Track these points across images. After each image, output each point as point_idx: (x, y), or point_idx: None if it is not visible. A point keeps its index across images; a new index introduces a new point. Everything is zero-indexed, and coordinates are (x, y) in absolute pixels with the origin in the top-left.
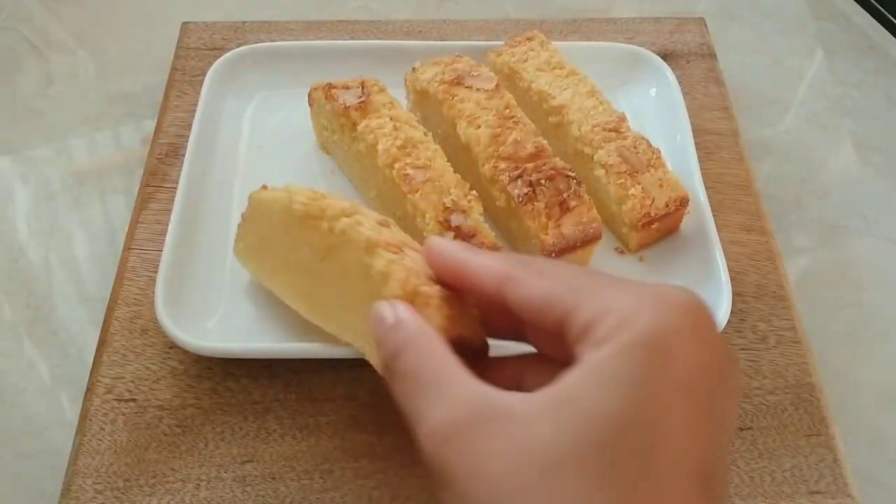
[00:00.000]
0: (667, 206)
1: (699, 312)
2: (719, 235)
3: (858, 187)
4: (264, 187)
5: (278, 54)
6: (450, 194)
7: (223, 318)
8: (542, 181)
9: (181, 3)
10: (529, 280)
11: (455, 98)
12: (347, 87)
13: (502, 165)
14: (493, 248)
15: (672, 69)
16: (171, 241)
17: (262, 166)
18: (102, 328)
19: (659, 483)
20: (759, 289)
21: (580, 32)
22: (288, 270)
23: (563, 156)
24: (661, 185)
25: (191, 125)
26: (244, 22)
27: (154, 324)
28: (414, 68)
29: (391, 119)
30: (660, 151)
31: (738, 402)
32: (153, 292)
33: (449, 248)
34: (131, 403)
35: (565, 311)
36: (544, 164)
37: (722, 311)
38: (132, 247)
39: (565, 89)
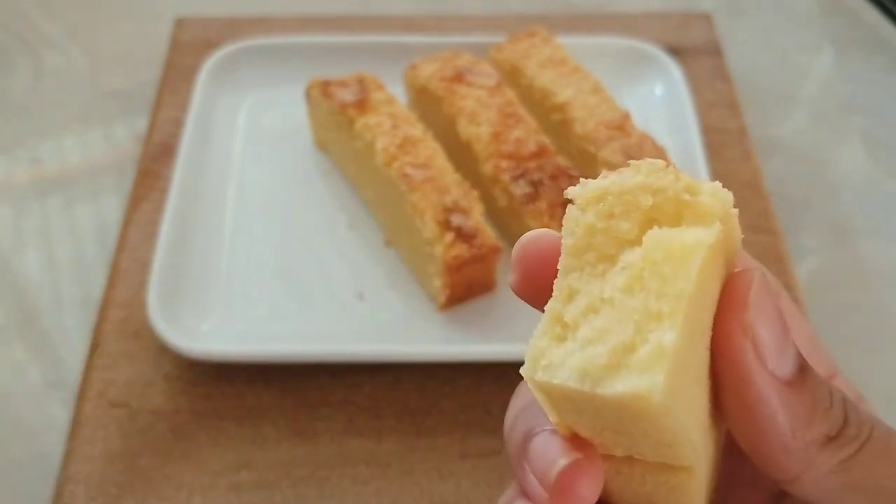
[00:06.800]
0: None
1: None
2: None
3: (868, 187)
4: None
5: (274, 51)
6: (450, 194)
7: (218, 321)
8: (545, 180)
9: None
10: None
11: (455, 95)
12: (345, 85)
13: (504, 164)
14: (495, 249)
15: (678, 65)
16: (164, 242)
17: (258, 165)
18: (94, 331)
19: None
20: None
21: (584, 28)
22: None
23: (566, 154)
24: None
25: (184, 123)
26: (239, 18)
27: (147, 327)
28: (413, 65)
29: (389, 117)
30: (665, 150)
31: None
32: (146, 295)
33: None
34: (124, 408)
35: None
36: (547, 163)
37: None
38: (124, 248)
39: (568, 86)
